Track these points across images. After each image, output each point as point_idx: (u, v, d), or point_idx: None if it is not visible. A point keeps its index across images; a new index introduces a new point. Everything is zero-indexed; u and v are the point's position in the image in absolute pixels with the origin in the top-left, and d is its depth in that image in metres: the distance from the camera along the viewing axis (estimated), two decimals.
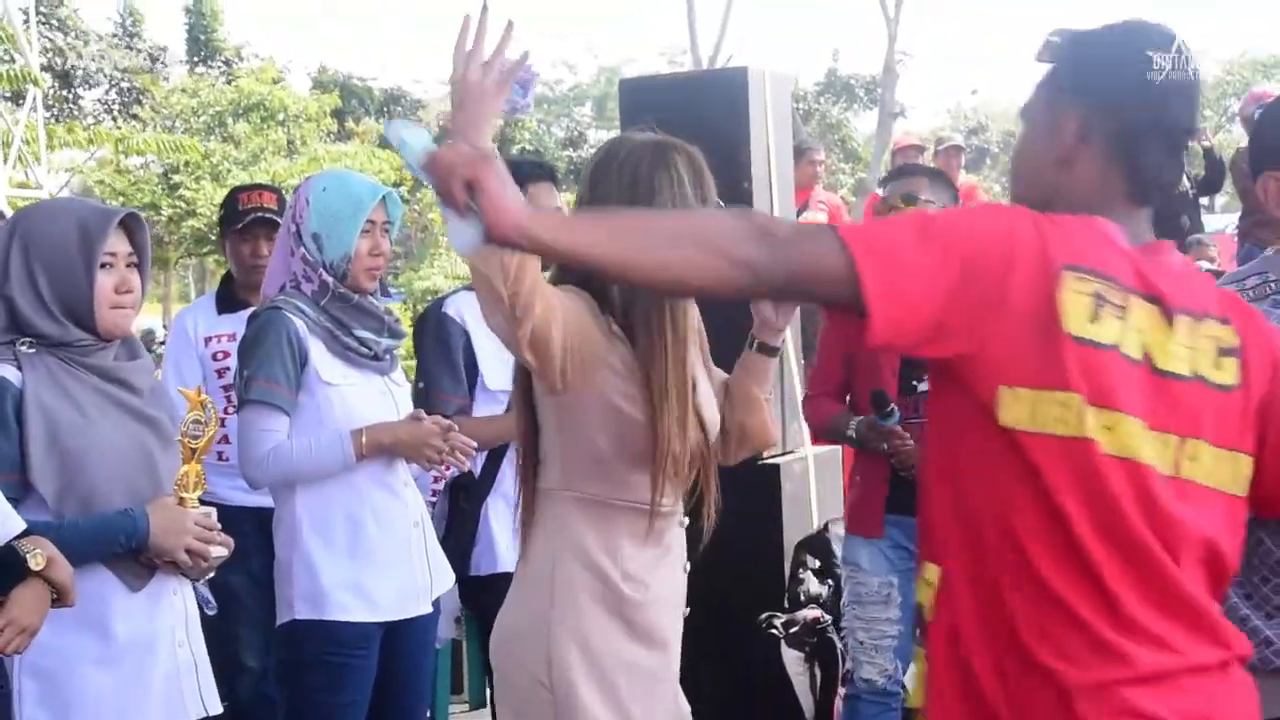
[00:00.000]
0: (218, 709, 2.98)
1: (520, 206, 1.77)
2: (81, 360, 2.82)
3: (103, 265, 2.81)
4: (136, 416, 2.86)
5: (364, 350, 3.41)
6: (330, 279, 3.38)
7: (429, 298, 18.22)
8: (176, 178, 19.27)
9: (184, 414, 2.92)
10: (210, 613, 4.45)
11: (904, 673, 4.38)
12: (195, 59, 26.46)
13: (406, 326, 3.80)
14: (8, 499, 2.57)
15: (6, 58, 9.86)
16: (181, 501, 2.85)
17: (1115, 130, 1.90)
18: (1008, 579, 1.81)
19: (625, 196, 2.52)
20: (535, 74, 2.30)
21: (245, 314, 4.50)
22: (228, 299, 4.75)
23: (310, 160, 19.34)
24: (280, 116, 21.26)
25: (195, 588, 4.42)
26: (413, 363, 4.36)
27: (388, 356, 3.50)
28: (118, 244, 2.84)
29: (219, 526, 2.91)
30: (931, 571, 1.90)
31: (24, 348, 2.78)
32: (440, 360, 3.95)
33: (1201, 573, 1.86)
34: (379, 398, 3.42)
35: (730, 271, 1.73)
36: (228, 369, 4.56)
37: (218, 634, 4.60)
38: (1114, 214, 1.89)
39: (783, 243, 1.75)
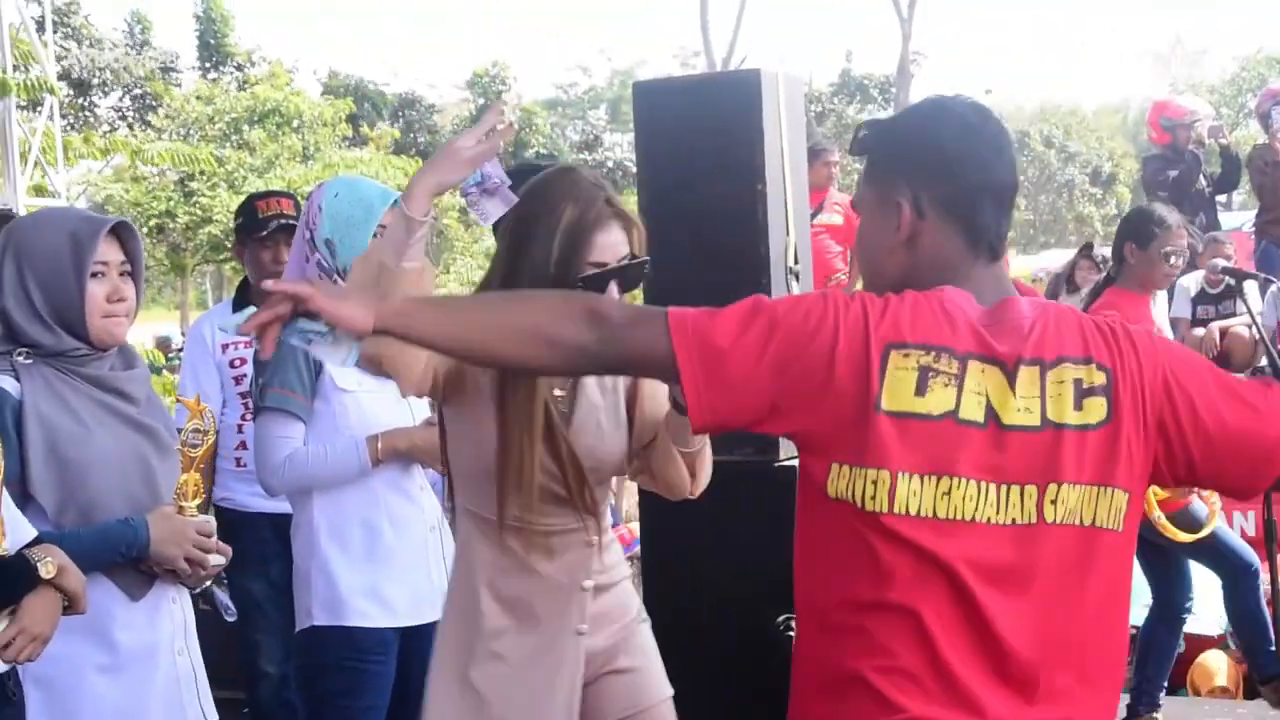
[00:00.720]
0: (215, 718, 2.99)
1: (364, 311, 1.96)
2: (78, 370, 2.82)
3: (94, 274, 2.81)
4: (134, 426, 2.86)
5: None
6: (345, 283, 3.39)
7: None
8: (192, 185, 19.33)
9: (184, 423, 2.93)
10: (230, 619, 4.47)
11: None
12: (207, 64, 26.53)
13: None
14: None
15: (22, 67, 9.90)
16: (181, 510, 2.86)
17: (946, 199, 2.00)
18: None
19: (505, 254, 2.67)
20: (504, 183, 2.53)
21: None
22: (244, 305, 4.76)
23: (325, 166, 19.39)
24: (295, 123, 21.31)
25: (215, 594, 4.44)
26: None
27: None
28: (109, 252, 2.84)
29: (215, 534, 2.92)
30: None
31: (21, 358, 2.79)
32: None
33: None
34: (394, 403, 3.42)
35: (564, 356, 1.93)
36: (244, 376, 4.57)
37: (238, 640, 4.63)
38: (965, 277, 1.98)
39: (615, 327, 1.91)
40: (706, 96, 5.54)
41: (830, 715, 1.93)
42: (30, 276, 2.80)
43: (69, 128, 16.48)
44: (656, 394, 2.78)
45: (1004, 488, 1.88)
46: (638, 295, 2.92)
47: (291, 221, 4.65)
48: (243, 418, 4.63)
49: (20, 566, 2.46)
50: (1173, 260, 5.03)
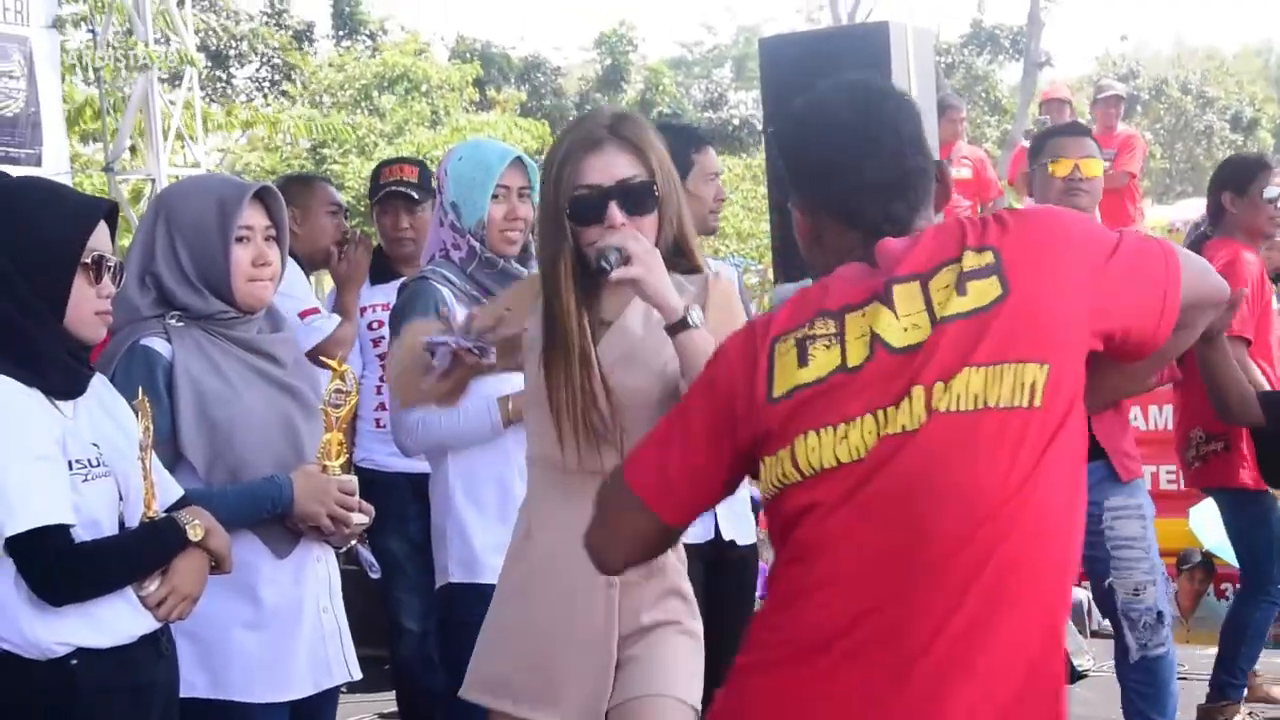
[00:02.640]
0: (358, 674, 3.05)
1: None
2: (226, 333, 2.89)
3: (239, 239, 2.87)
4: (280, 387, 2.93)
5: None
6: (476, 244, 3.43)
7: None
8: (324, 151, 19.59)
9: (326, 384, 2.99)
10: (375, 576, 4.57)
11: None
12: (341, 33, 26.86)
13: None
14: None
15: (163, 40, 10.12)
16: (324, 469, 2.92)
17: (826, 203, 2.03)
18: None
19: None
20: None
21: (397, 284, 4.61)
22: (380, 270, 4.84)
23: (453, 131, 19.51)
24: (424, 88, 21.48)
25: (360, 552, 4.55)
26: None
27: None
28: (254, 218, 2.90)
29: (358, 494, 2.97)
30: None
31: (173, 321, 2.86)
32: None
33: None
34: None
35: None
36: (382, 338, 4.65)
37: (380, 598, 4.73)
38: (868, 256, 1.98)
39: (609, 532, 2.10)
40: (834, 51, 5.48)
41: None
42: (179, 241, 2.87)
43: (207, 99, 16.81)
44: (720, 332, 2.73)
45: (895, 407, 1.85)
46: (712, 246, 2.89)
47: (406, 188, 4.71)
48: (381, 379, 4.71)
49: (170, 530, 2.55)
50: (1278, 201, 4.78)
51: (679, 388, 2.55)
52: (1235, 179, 4.86)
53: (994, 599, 1.83)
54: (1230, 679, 4.99)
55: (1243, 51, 48.58)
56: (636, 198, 2.61)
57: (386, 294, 4.72)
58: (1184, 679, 5.48)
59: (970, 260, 1.89)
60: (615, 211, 2.58)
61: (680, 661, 2.70)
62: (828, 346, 1.90)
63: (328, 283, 5.25)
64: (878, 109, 2.03)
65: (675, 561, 2.73)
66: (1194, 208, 19.22)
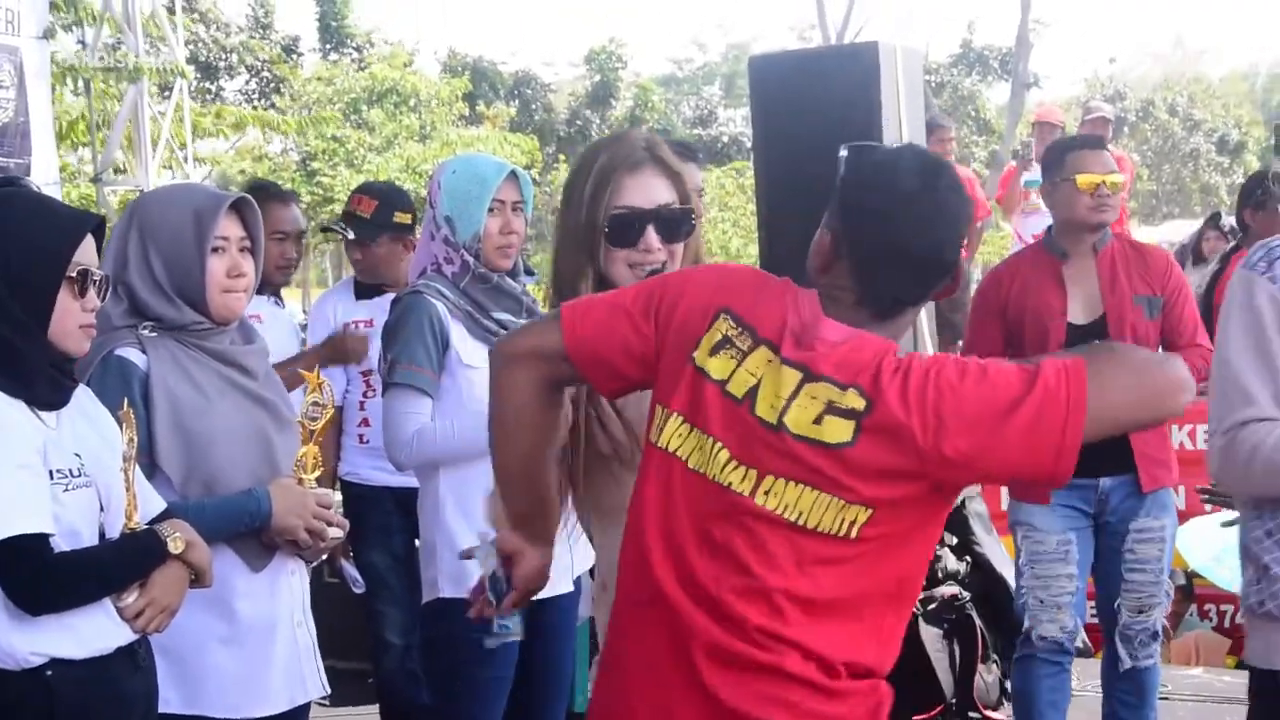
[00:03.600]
0: (327, 690, 3.03)
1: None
2: (199, 343, 2.87)
3: (214, 249, 2.85)
4: (253, 399, 2.91)
5: (504, 332, 3.45)
6: (470, 259, 3.43)
7: None
8: (314, 164, 19.60)
9: (303, 396, 2.98)
10: (358, 591, 4.56)
11: (1080, 628, 4.43)
12: (328, 46, 26.88)
13: (543, 308, 3.83)
14: None
15: (154, 51, 10.12)
16: (300, 482, 2.91)
17: (856, 248, 2.07)
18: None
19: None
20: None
21: (381, 299, 4.62)
22: (365, 285, 4.84)
23: (443, 145, 19.53)
24: (412, 101, 21.50)
25: (344, 567, 4.53)
26: None
27: None
28: (230, 228, 2.88)
29: (337, 506, 2.97)
30: None
31: (146, 331, 2.84)
32: None
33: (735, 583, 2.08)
34: None
35: (549, 399, 2.31)
36: (365, 355, 4.65)
37: (363, 612, 4.73)
38: (852, 318, 2.08)
39: (519, 331, 2.42)
40: (823, 70, 5.50)
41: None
42: (153, 250, 2.86)
43: (198, 109, 16.84)
44: None
45: (734, 461, 2.07)
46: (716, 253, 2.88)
47: (362, 221, 4.72)
48: (364, 394, 4.71)
49: (151, 541, 2.54)
50: None
51: None
52: (1252, 194, 4.97)
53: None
54: None
55: (1229, 75, 48.80)
56: (674, 224, 2.57)
57: (370, 309, 4.73)
58: (1165, 699, 5.50)
59: (843, 398, 2.03)
60: (653, 236, 2.54)
61: None
62: (731, 358, 2.09)
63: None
64: (945, 193, 2.07)
65: None
66: (1180, 229, 19.32)
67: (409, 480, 4.06)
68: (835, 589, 2.05)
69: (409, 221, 4.80)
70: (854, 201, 2.09)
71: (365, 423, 4.70)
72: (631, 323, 2.16)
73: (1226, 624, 7.87)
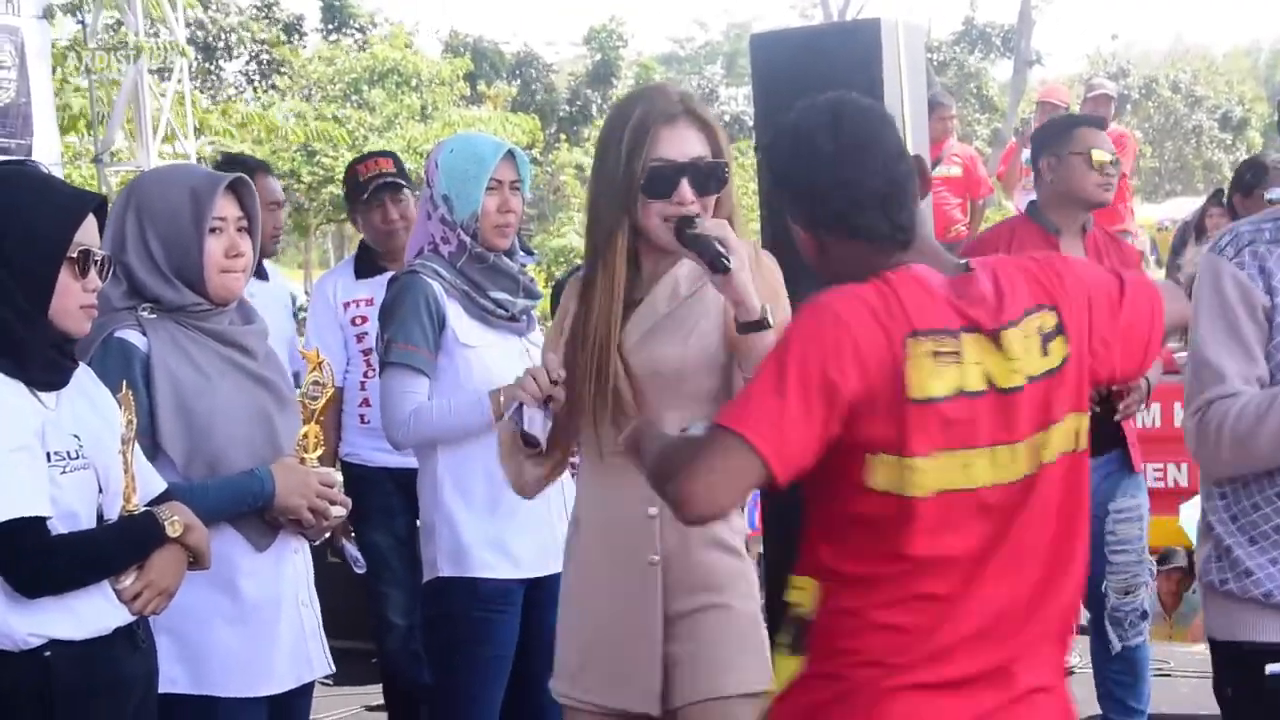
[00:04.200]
0: (333, 668, 3.04)
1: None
2: (199, 324, 2.87)
3: (212, 230, 2.84)
4: (254, 379, 2.91)
5: (500, 312, 3.45)
6: (467, 238, 3.43)
7: (563, 257, 18.29)
8: (315, 145, 19.58)
9: (304, 376, 2.98)
10: (359, 571, 4.56)
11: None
12: (330, 26, 26.82)
13: (542, 288, 3.83)
14: None
15: (153, 31, 10.10)
16: (302, 461, 2.91)
17: (828, 220, 2.10)
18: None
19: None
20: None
21: (382, 279, 4.60)
22: (365, 264, 4.84)
23: (444, 125, 19.49)
24: (414, 82, 21.46)
25: (345, 547, 4.54)
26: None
27: (524, 318, 3.53)
28: (227, 208, 2.87)
29: (339, 485, 2.97)
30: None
31: (145, 313, 2.84)
32: None
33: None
34: (517, 359, 3.45)
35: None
36: (366, 333, 4.65)
37: (365, 591, 4.73)
38: (890, 267, 2.06)
39: (715, 479, 2.01)
40: (825, 48, 5.47)
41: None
42: (151, 232, 2.85)
43: (197, 91, 16.80)
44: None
45: (1011, 451, 2.03)
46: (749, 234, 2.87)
47: (391, 178, 4.72)
48: (365, 375, 4.71)
49: (149, 524, 2.55)
50: None
51: (713, 362, 2.60)
52: (1242, 181, 4.96)
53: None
54: None
55: (1233, 51, 48.65)
56: (707, 177, 2.61)
57: (370, 288, 4.72)
58: (1167, 675, 5.51)
59: (1045, 319, 2.06)
60: (686, 189, 2.58)
61: (733, 654, 2.63)
62: (952, 364, 2.01)
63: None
64: (857, 127, 2.10)
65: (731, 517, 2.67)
66: (1182, 206, 19.28)
67: (410, 461, 4.07)
68: None
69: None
70: (795, 187, 2.14)
71: (366, 403, 4.69)
72: (813, 421, 1.99)
73: None
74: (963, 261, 2.14)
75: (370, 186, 4.75)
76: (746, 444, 1.97)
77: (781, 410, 1.97)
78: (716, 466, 2.00)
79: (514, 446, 2.69)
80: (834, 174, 2.07)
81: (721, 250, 2.45)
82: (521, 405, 2.61)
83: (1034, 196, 4.52)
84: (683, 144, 2.59)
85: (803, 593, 2.10)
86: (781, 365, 2.00)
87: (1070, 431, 2.08)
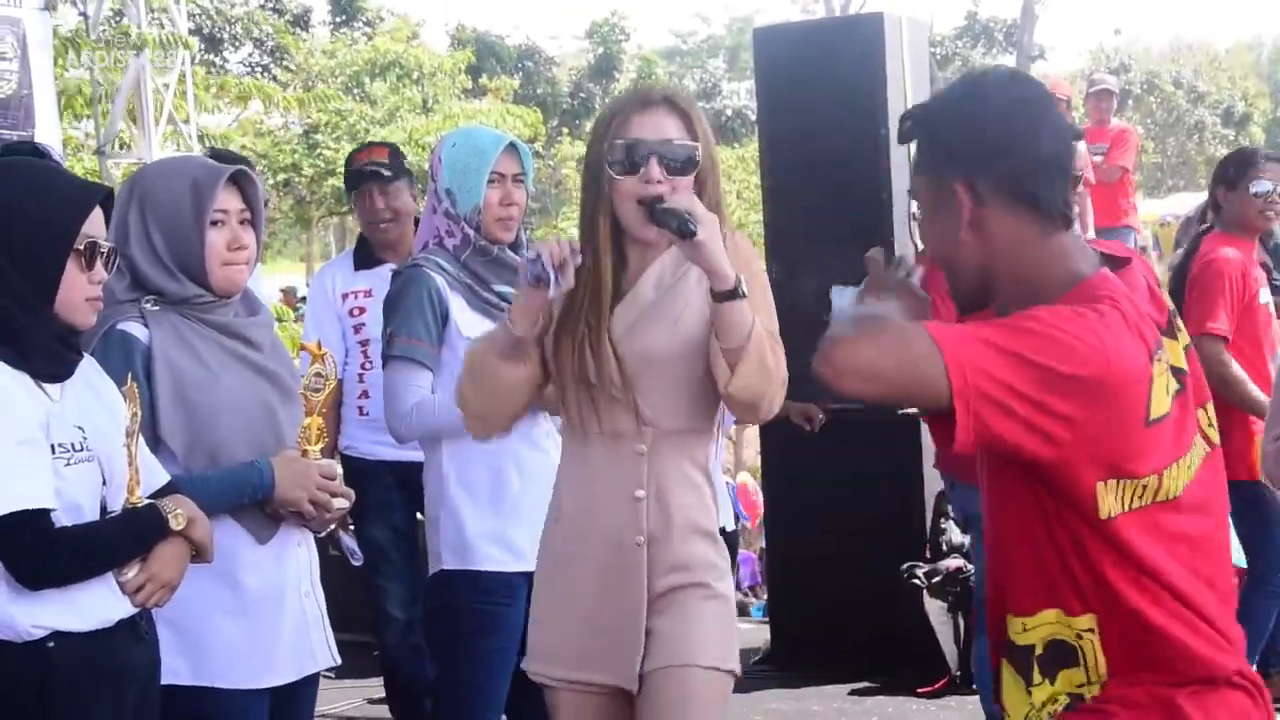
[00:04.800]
0: (338, 660, 3.04)
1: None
2: (202, 316, 2.86)
3: (214, 222, 2.84)
4: (258, 371, 2.91)
5: (504, 305, 3.44)
6: (471, 231, 3.43)
7: None
8: (316, 137, 19.56)
9: (306, 368, 2.98)
10: (356, 563, 4.56)
11: None
12: (338, 19, 26.82)
13: None
14: None
15: (157, 22, 10.08)
16: (304, 454, 2.91)
17: (1003, 183, 1.97)
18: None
19: None
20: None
21: (381, 270, 4.62)
22: (364, 256, 4.84)
23: (446, 118, 19.47)
24: (415, 75, 21.44)
25: (342, 539, 4.54)
26: None
27: None
28: (229, 201, 2.87)
29: (340, 477, 2.97)
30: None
31: (148, 305, 2.84)
32: None
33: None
34: None
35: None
36: (363, 325, 4.66)
37: (364, 586, 4.73)
38: (1047, 252, 1.99)
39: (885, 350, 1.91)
40: (828, 41, 5.49)
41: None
42: (153, 224, 2.85)
43: (200, 85, 16.81)
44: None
45: (1193, 446, 2.01)
46: (756, 228, 2.89)
47: (380, 168, 4.71)
48: (363, 366, 4.71)
49: (152, 517, 2.54)
50: (1267, 195, 4.82)
51: (701, 348, 2.63)
52: (1227, 174, 4.93)
53: None
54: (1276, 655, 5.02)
55: (1235, 46, 48.60)
56: (677, 159, 2.66)
57: (369, 280, 4.72)
58: None
59: (1175, 320, 2.11)
60: (654, 167, 2.63)
61: (706, 628, 2.68)
62: (1164, 374, 1.97)
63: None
64: (1039, 90, 2.06)
65: (710, 504, 2.75)
66: (1185, 202, 19.23)
67: (409, 454, 4.06)
68: None
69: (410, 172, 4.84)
70: (973, 139, 1.99)
71: (365, 395, 4.69)
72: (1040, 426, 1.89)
73: None
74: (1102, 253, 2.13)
75: (361, 176, 4.75)
76: (943, 363, 1.85)
77: (997, 366, 1.86)
78: (896, 343, 1.89)
79: (488, 354, 2.69)
80: (1021, 127, 1.98)
81: (688, 217, 2.49)
82: (539, 258, 2.59)
83: None
84: (657, 127, 2.66)
85: (1035, 631, 2.04)
86: (1033, 339, 1.89)
87: (1207, 420, 2.12)
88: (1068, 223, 2.00)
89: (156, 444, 2.77)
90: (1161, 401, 1.92)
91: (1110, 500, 1.91)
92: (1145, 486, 1.92)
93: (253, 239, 2.91)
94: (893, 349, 1.88)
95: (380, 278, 4.70)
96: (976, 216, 1.99)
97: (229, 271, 2.87)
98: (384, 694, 5.06)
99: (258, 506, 2.85)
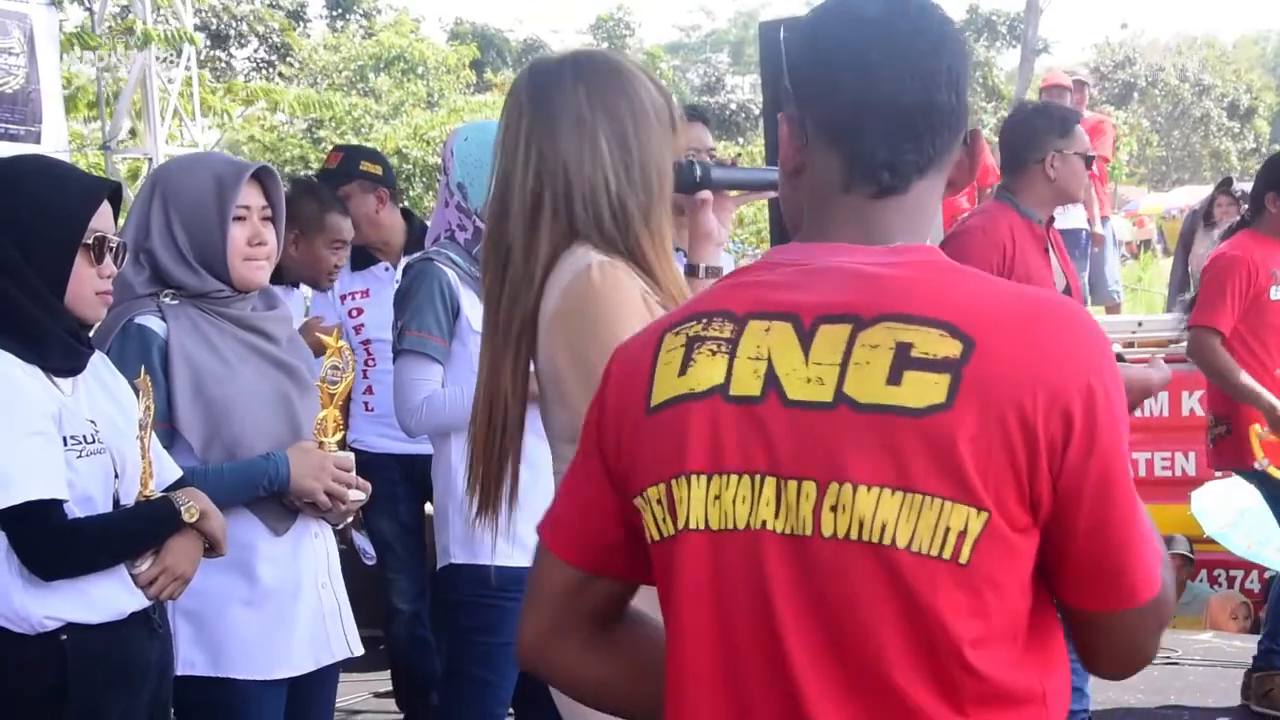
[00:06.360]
0: (360, 650, 3.06)
1: None
2: (221, 311, 2.88)
3: (236, 218, 2.86)
4: (276, 364, 2.92)
5: None
6: (483, 225, 3.43)
7: None
8: (321, 132, 19.59)
9: (322, 361, 2.99)
10: (369, 563, 4.57)
11: None
12: (334, 13, 26.83)
13: None
14: None
15: (162, 19, 10.10)
16: (321, 445, 2.92)
17: (824, 119, 1.50)
18: None
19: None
20: None
21: (376, 269, 4.65)
22: (359, 257, 4.84)
23: (450, 112, 19.50)
24: (420, 69, 21.45)
25: (355, 537, 4.55)
26: None
27: None
28: (251, 197, 2.89)
29: (354, 470, 2.98)
30: None
31: (167, 299, 2.85)
32: None
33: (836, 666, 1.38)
34: None
35: None
36: (363, 324, 4.67)
37: (375, 579, 4.75)
38: (833, 216, 1.50)
39: (529, 601, 1.65)
40: None
41: None
42: (176, 219, 2.86)
43: (207, 80, 16.82)
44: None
45: (782, 483, 1.39)
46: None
47: (331, 169, 4.72)
48: (366, 364, 4.72)
49: (165, 510, 2.56)
50: None
51: None
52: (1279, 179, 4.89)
53: None
54: (1275, 648, 5.00)
55: (1241, 40, 48.52)
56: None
57: (366, 280, 4.74)
58: (1175, 664, 5.52)
59: (927, 342, 1.37)
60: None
61: None
62: (714, 353, 1.44)
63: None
64: (918, 20, 1.51)
65: None
66: (1189, 195, 19.25)
67: (415, 447, 4.07)
68: None
69: (378, 173, 4.77)
70: (806, 64, 1.53)
71: (369, 390, 4.71)
72: (589, 477, 1.60)
73: (1237, 589, 7.89)
74: None
75: (331, 182, 4.73)
76: (542, 544, 1.64)
77: (563, 489, 1.66)
78: (530, 589, 1.68)
79: None
80: (861, 53, 1.48)
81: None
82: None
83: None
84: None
85: None
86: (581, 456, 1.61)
87: (925, 520, 1.38)
88: (878, 188, 1.49)
89: (174, 437, 2.79)
90: (672, 384, 1.45)
91: (646, 522, 1.47)
92: (649, 504, 1.46)
93: (273, 235, 2.93)
94: None
95: (375, 277, 4.73)
96: (801, 160, 1.54)
97: (249, 267, 2.89)
98: (391, 687, 5.08)
99: (274, 498, 2.87)
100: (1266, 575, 7.36)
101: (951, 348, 1.36)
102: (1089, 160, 4.33)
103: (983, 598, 1.35)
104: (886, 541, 1.35)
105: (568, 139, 2.22)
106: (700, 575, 1.42)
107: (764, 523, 1.39)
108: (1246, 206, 5.15)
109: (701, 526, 1.42)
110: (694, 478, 1.42)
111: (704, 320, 1.46)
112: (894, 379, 1.36)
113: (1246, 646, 5.38)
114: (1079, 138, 4.31)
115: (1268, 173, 5.01)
